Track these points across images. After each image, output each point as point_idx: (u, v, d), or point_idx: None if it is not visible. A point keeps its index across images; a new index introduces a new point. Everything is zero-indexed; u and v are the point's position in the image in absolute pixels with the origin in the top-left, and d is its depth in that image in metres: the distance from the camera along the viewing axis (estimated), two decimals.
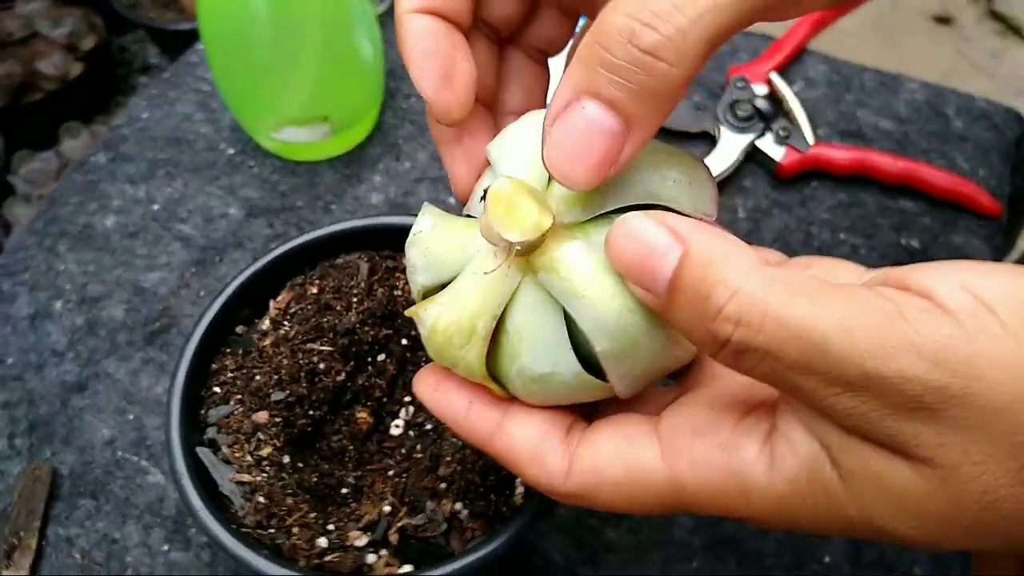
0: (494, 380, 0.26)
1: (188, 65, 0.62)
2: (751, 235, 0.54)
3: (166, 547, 0.44)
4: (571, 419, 0.26)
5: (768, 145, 0.56)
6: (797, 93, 0.59)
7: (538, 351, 0.25)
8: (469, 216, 0.27)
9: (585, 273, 0.23)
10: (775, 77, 0.58)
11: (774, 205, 0.56)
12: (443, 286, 0.26)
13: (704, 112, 0.58)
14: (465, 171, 0.28)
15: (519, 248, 0.23)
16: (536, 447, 0.25)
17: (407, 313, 0.27)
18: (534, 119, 0.26)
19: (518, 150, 0.25)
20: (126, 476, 0.46)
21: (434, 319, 0.25)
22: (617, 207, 0.24)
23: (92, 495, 0.45)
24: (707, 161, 0.56)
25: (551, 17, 0.29)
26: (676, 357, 0.24)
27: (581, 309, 0.23)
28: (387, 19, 0.65)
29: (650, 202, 0.24)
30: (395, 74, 0.62)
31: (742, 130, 0.57)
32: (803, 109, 0.57)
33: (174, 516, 0.44)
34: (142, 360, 0.50)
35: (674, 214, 0.22)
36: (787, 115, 0.57)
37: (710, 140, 0.58)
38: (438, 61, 0.25)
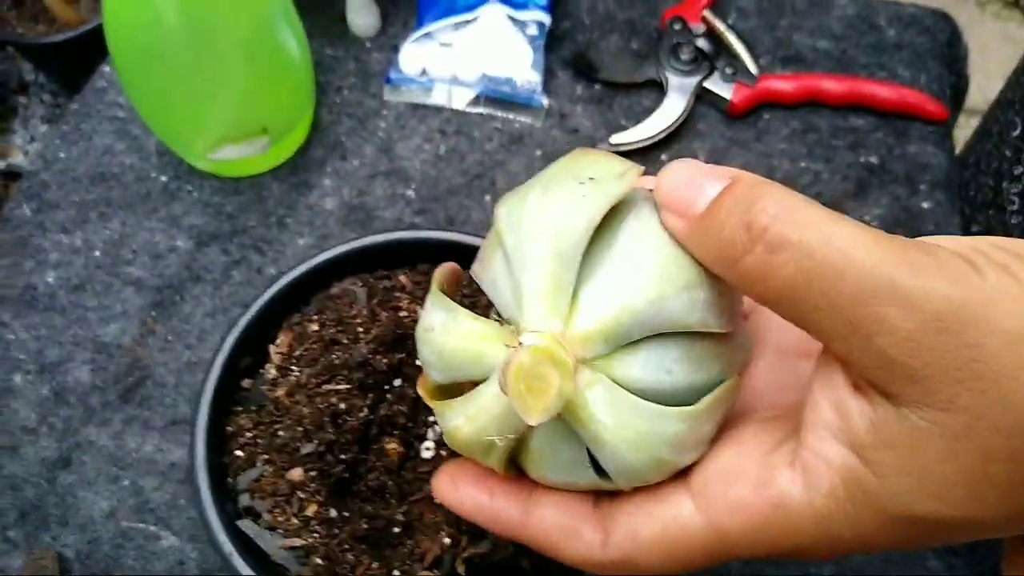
0: (514, 466, 0.26)
1: (96, 92, 0.57)
2: None
3: None
4: (594, 492, 0.26)
5: (717, 84, 0.56)
6: (732, 26, 0.58)
7: (559, 470, 0.25)
8: (475, 309, 0.26)
9: (608, 424, 0.23)
10: (709, 14, 0.58)
11: (732, 144, 0.56)
12: (458, 384, 0.26)
13: (646, 60, 0.57)
14: None
15: None
16: (568, 524, 0.25)
17: (420, 395, 0.27)
18: (554, 199, 0.24)
19: (538, 256, 0.23)
20: (137, 546, 0.43)
21: (453, 427, 0.25)
22: (641, 337, 0.23)
23: (106, 573, 0.43)
24: (660, 110, 0.55)
25: None
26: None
27: (605, 455, 0.23)
28: (306, 5, 0.60)
29: (677, 331, 0.23)
30: (323, 66, 0.59)
31: (688, 73, 0.56)
32: (742, 42, 0.57)
33: None
34: (123, 421, 0.47)
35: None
36: (728, 51, 0.57)
37: (658, 88, 0.57)
38: None
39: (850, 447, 0.21)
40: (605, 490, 0.25)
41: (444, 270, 0.28)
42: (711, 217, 0.22)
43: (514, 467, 0.26)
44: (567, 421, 0.23)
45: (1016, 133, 0.55)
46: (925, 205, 0.53)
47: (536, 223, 0.23)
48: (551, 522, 0.25)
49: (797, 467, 0.22)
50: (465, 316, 0.25)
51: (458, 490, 0.27)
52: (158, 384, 0.48)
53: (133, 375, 0.48)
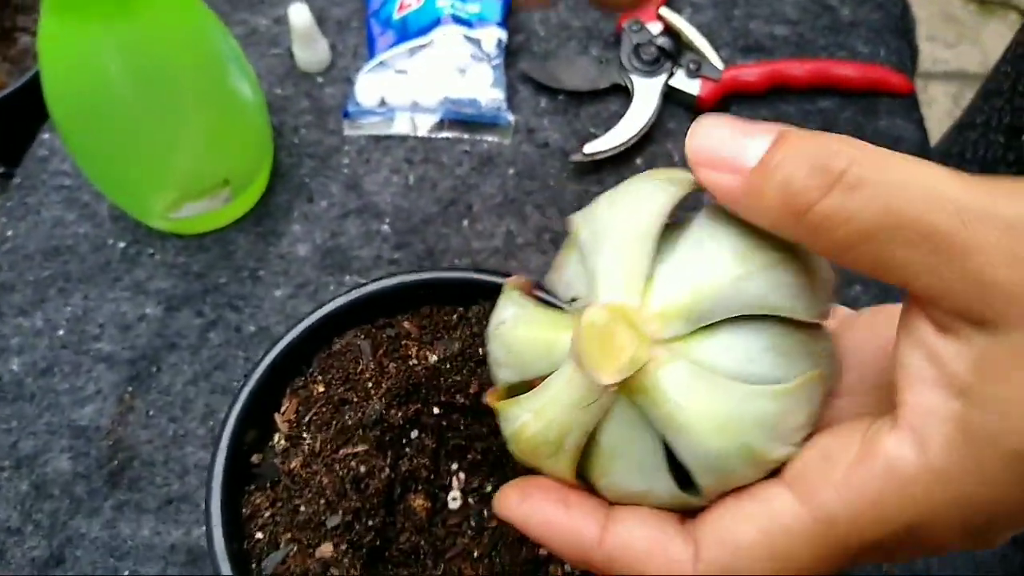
0: (582, 481, 0.24)
1: (38, 161, 0.54)
2: None
3: None
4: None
5: (682, 82, 0.55)
6: (689, 20, 0.57)
7: (632, 472, 0.23)
8: (551, 299, 0.25)
9: (686, 405, 0.21)
10: (665, 11, 0.57)
11: None
12: (527, 383, 0.24)
13: (608, 65, 0.56)
14: None
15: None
16: (654, 540, 0.22)
17: (488, 402, 0.25)
18: (625, 193, 0.24)
19: (613, 238, 0.22)
20: None
21: (519, 425, 0.24)
22: (723, 318, 0.21)
23: None
24: (628, 115, 0.54)
25: None
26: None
27: (682, 443, 0.21)
28: (249, 46, 0.58)
29: (762, 313, 0.21)
30: (274, 107, 0.56)
31: (652, 74, 0.55)
32: (701, 36, 0.56)
33: None
34: (113, 507, 0.44)
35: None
36: (689, 47, 0.56)
37: (623, 92, 0.56)
38: None
39: (956, 393, 0.19)
40: (686, 506, 0.23)
41: (516, 279, 0.27)
42: (772, 169, 0.20)
43: (581, 481, 0.24)
44: (642, 409, 0.22)
45: None
46: None
47: (611, 212, 0.23)
48: (634, 537, 0.22)
49: (904, 427, 0.20)
50: (536, 308, 0.25)
51: (527, 501, 0.24)
52: (146, 463, 0.45)
53: (117, 457, 0.45)
